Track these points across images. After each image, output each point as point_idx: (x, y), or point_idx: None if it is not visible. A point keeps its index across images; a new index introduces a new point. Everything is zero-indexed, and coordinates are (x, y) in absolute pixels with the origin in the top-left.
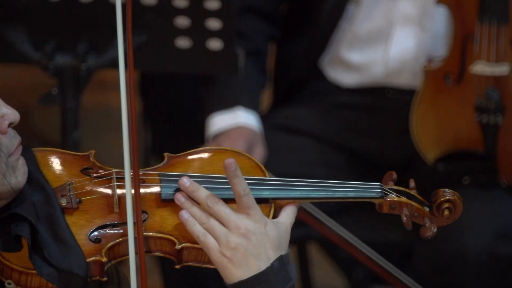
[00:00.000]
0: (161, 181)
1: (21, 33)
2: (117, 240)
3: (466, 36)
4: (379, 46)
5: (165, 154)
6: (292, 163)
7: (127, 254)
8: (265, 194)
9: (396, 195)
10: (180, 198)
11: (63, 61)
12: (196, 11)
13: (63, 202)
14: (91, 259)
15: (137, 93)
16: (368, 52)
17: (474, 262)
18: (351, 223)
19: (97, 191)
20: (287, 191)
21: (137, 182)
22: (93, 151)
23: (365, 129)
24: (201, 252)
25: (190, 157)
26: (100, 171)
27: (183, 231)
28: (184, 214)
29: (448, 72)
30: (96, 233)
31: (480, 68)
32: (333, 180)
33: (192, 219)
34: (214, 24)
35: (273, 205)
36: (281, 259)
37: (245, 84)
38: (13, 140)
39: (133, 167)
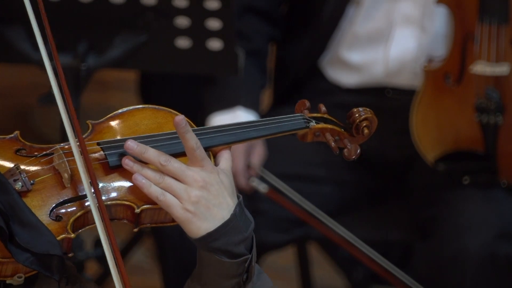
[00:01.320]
0: (103, 149)
1: (21, 33)
2: (77, 214)
3: (466, 36)
4: (379, 46)
5: (88, 121)
6: (292, 163)
7: (93, 223)
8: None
9: (316, 122)
10: (128, 162)
11: (63, 61)
12: (196, 11)
13: (18, 186)
14: (61, 237)
15: (137, 93)
16: (368, 52)
17: (474, 262)
18: (351, 223)
19: (47, 169)
20: (219, 138)
21: (85, 152)
22: (17, 131)
23: None
24: (157, 212)
25: (113, 121)
26: (33, 149)
27: (137, 194)
28: (138, 176)
29: (448, 72)
30: (54, 211)
31: (480, 68)
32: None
33: (147, 181)
34: (214, 24)
35: (210, 153)
36: (240, 204)
37: (245, 84)
38: None
39: (78, 135)
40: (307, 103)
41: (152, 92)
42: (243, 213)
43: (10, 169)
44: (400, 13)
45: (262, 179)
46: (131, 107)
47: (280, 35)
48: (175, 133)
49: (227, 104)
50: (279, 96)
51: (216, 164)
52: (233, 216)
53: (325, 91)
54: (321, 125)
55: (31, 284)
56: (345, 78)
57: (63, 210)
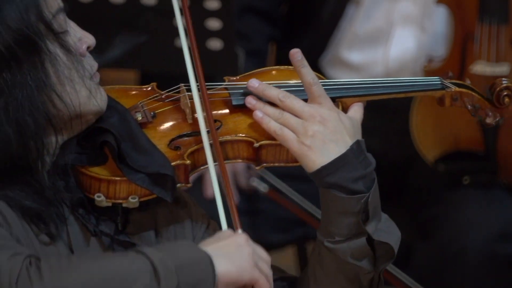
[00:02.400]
0: (228, 89)
1: None
2: (195, 147)
3: (466, 36)
4: (379, 46)
5: (225, 77)
6: None
7: (205, 164)
8: (330, 93)
9: (456, 87)
10: (251, 100)
11: None
12: (196, 11)
13: (139, 117)
14: (176, 163)
15: None
16: (368, 52)
17: (474, 262)
18: None
19: (168, 103)
20: (352, 90)
21: (204, 89)
22: (154, 83)
23: (365, 129)
24: (279, 149)
25: (250, 76)
26: (166, 96)
27: (258, 131)
28: (258, 113)
29: (448, 72)
30: (174, 142)
31: (480, 68)
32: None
33: (267, 116)
34: (214, 24)
35: (340, 104)
36: (359, 143)
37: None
38: (93, 62)
39: (198, 76)
40: (450, 73)
41: None
42: (362, 153)
43: (135, 105)
44: (400, 12)
45: (262, 179)
46: (271, 67)
47: (280, 35)
48: (300, 85)
49: None
50: None
51: None
52: (349, 151)
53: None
54: (462, 89)
55: (146, 207)
56: (345, 78)
57: (182, 141)
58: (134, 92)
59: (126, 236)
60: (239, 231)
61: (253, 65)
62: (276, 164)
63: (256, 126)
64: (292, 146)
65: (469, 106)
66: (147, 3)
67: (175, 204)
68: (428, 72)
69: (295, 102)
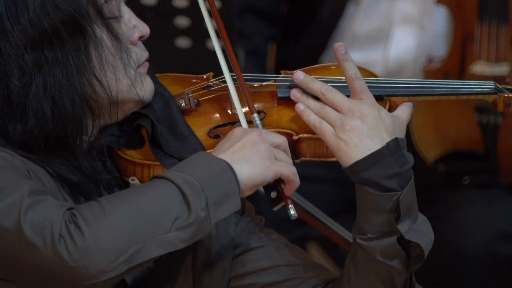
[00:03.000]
0: (276, 81)
1: None
2: None
3: (466, 36)
4: (379, 46)
5: (282, 71)
6: (292, 163)
7: None
8: (379, 91)
9: (511, 92)
10: (295, 93)
11: None
12: (196, 11)
13: (182, 103)
14: (210, 150)
15: None
16: (368, 52)
17: (474, 262)
18: (351, 223)
19: (214, 92)
20: (401, 89)
21: (241, 80)
22: (211, 73)
23: None
24: (318, 144)
25: (305, 71)
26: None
27: (299, 124)
28: (300, 105)
29: (448, 72)
30: (214, 130)
31: (480, 68)
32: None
33: (308, 109)
34: (214, 24)
35: (388, 102)
36: (396, 141)
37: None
38: (142, 52)
39: (234, 68)
40: (508, 79)
41: None
42: (400, 151)
43: (181, 92)
44: (400, 12)
45: None
46: (329, 64)
47: (280, 35)
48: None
49: None
50: None
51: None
52: (385, 148)
53: None
54: None
55: None
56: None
57: (223, 129)
58: (187, 80)
59: None
60: (255, 115)
61: (253, 65)
62: (315, 159)
63: (298, 120)
64: (329, 139)
65: None
66: (147, 3)
67: None
68: (428, 72)
69: (336, 96)
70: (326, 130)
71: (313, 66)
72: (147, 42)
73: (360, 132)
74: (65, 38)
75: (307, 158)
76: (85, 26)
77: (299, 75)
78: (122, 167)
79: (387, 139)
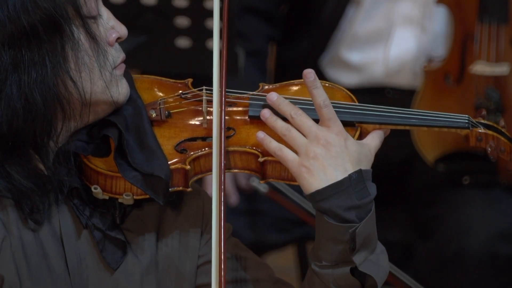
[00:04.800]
0: (250, 99)
1: None
2: (202, 152)
3: (466, 36)
4: (379, 46)
5: (261, 84)
6: None
7: (210, 170)
8: (350, 117)
9: (484, 128)
10: (265, 112)
11: None
12: (196, 11)
13: (153, 114)
14: (175, 166)
15: None
16: (368, 52)
17: (474, 262)
18: None
19: (187, 104)
20: (373, 116)
21: (223, 96)
22: (190, 79)
23: None
24: (284, 167)
25: (284, 87)
26: (194, 95)
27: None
28: (260, 134)
29: (448, 72)
30: (182, 144)
31: (480, 68)
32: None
33: (268, 137)
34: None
35: (359, 128)
36: (360, 173)
37: (245, 84)
38: (118, 54)
39: (221, 85)
40: (483, 112)
41: None
42: (362, 182)
43: (154, 102)
44: (400, 13)
45: None
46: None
47: (280, 35)
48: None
49: None
50: None
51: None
52: (346, 180)
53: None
54: (488, 131)
55: (140, 206)
56: (345, 78)
57: (190, 144)
58: (164, 86)
59: (120, 232)
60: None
61: (253, 65)
62: (280, 181)
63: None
64: (291, 166)
65: (489, 149)
66: (147, 3)
67: (185, 206)
68: (428, 72)
69: (305, 121)
70: (287, 156)
71: (292, 81)
72: (148, 42)
73: (323, 160)
74: (43, 37)
75: (272, 180)
76: (64, 26)
77: (272, 96)
78: (86, 174)
79: (350, 170)
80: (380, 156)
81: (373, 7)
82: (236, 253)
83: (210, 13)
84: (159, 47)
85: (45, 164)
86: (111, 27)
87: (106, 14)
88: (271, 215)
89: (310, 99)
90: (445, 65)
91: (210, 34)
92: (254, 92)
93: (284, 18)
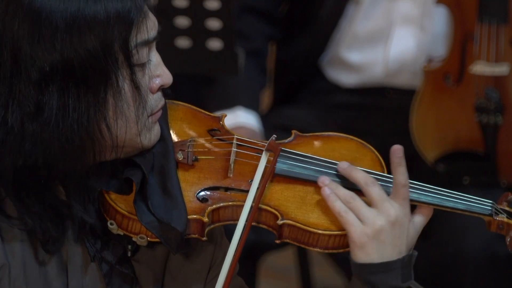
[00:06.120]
0: (278, 156)
1: None
2: (223, 204)
3: (466, 36)
4: (379, 46)
5: (293, 131)
6: None
7: (229, 220)
8: (418, 197)
9: (507, 217)
10: (325, 180)
11: None
12: (196, 11)
13: (180, 157)
14: (193, 216)
15: None
16: (368, 52)
17: (474, 262)
18: None
19: (215, 152)
20: (424, 195)
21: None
22: (225, 114)
23: (365, 129)
24: (301, 232)
25: (316, 140)
26: (225, 133)
27: (289, 207)
28: (327, 189)
29: (448, 72)
30: (204, 192)
31: (480, 68)
32: (446, 190)
33: (334, 195)
34: (214, 24)
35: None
36: (410, 257)
37: (245, 84)
38: (158, 101)
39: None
40: (510, 196)
41: None
42: (409, 266)
43: (184, 140)
44: (400, 12)
45: None
46: (340, 134)
47: (280, 35)
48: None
49: (227, 104)
50: (279, 96)
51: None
52: (400, 261)
53: (325, 91)
54: (510, 221)
55: (153, 248)
56: (345, 78)
57: (212, 195)
58: (198, 118)
59: (130, 266)
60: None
61: (253, 65)
62: (296, 244)
63: (289, 201)
64: (353, 231)
65: (508, 240)
66: (147, 3)
67: (196, 249)
68: (427, 72)
69: (379, 192)
70: (352, 221)
71: (323, 134)
72: None
73: (386, 236)
74: (90, 80)
75: (288, 241)
76: (111, 74)
77: (343, 164)
78: (105, 207)
79: (404, 252)
80: (380, 156)
81: (373, 7)
82: None
83: (210, 13)
84: (159, 47)
85: (69, 197)
86: (157, 75)
87: (155, 59)
88: None
89: (374, 171)
90: (445, 65)
91: (210, 34)
92: (284, 149)
93: (284, 18)
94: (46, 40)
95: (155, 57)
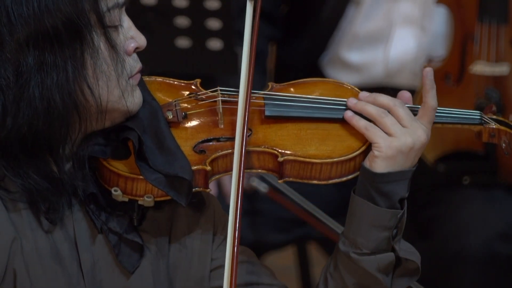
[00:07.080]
0: (265, 99)
1: None
2: (221, 153)
3: (466, 36)
4: (379, 46)
5: (269, 83)
6: None
7: (229, 170)
8: None
9: (496, 123)
10: (352, 100)
11: None
12: (196, 11)
13: (169, 115)
14: (196, 167)
15: None
16: (368, 52)
17: (474, 262)
18: None
19: (202, 105)
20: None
21: (248, 98)
22: (199, 80)
23: None
24: (303, 166)
25: (293, 86)
26: (204, 95)
27: (286, 145)
28: (349, 112)
29: (448, 72)
30: (200, 145)
31: (480, 68)
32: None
33: (357, 116)
34: (214, 24)
35: None
36: (414, 170)
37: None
38: (135, 63)
39: (247, 84)
40: (494, 108)
41: None
42: (410, 179)
43: (169, 102)
44: (400, 13)
45: (262, 179)
46: (315, 78)
47: (280, 35)
48: (342, 102)
49: None
50: None
51: None
52: (411, 172)
53: None
54: (500, 127)
55: (155, 210)
56: (345, 78)
57: (208, 145)
58: (175, 87)
59: (137, 234)
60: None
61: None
62: (299, 180)
63: (285, 140)
64: (382, 141)
65: (503, 144)
66: (147, 3)
67: (196, 209)
68: None
69: (408, 112)
70: (378, 133)
71: (300, 81)
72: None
73: (409, 151)
74: (65, 41)
75: (291, 179)
76: (84, 33)
77: (352, 100)
78: (105, 177)
79: (415, 163)
80: None
81: (373, 7)
82: (250, 260)
83: (210, 13)
84: (159, 47)
85: (60, 168)
86: (130, 37)
87: (127, 23)
88: (271, 215)
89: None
90: (445, 65)
91: (210, 34)
92: (266, 92)
93: (284, 18)
94: (17, 2)
95: (127, 21)
